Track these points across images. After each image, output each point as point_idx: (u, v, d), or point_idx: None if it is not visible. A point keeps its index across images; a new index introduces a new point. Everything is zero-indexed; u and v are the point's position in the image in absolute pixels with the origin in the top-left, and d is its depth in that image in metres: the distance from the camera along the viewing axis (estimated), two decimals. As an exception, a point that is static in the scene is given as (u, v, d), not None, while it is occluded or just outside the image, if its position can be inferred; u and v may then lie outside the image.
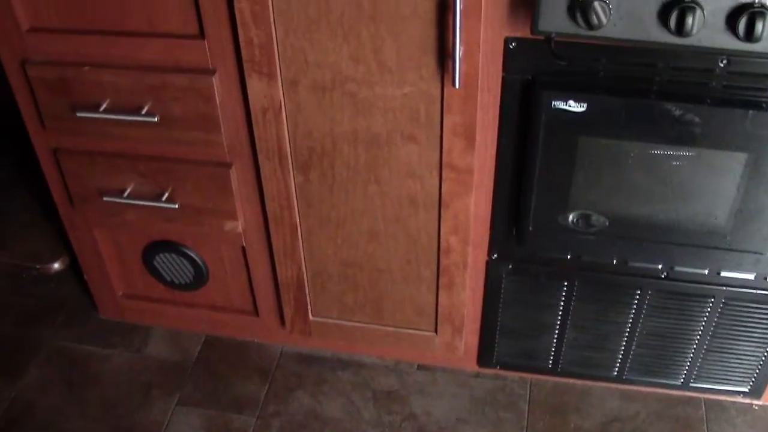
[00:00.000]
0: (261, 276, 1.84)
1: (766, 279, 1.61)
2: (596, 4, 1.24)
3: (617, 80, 1.40)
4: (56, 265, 2.18)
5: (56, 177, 1.77)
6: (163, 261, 1.88)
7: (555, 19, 1.28)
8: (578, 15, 1.26)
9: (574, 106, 1.40)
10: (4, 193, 2.33)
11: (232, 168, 1.64)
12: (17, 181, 2.36)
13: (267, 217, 1.69)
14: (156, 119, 1.57)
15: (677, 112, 1.39)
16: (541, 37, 1.32)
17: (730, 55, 1.33)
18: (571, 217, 1.55)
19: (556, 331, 1.79)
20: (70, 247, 1.97)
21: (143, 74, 1.53)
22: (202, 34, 1.47)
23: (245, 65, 1.47)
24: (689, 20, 1.23)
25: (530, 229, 1.58)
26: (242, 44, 1.44)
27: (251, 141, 1.58)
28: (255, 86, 1.49)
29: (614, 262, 1.64)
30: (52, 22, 1.53)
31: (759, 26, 1.21)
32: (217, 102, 1.53)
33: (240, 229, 1.74)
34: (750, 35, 1.23)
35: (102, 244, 1.90)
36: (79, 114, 1.58)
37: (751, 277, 1.62)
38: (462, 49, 1.36)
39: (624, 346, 1.79)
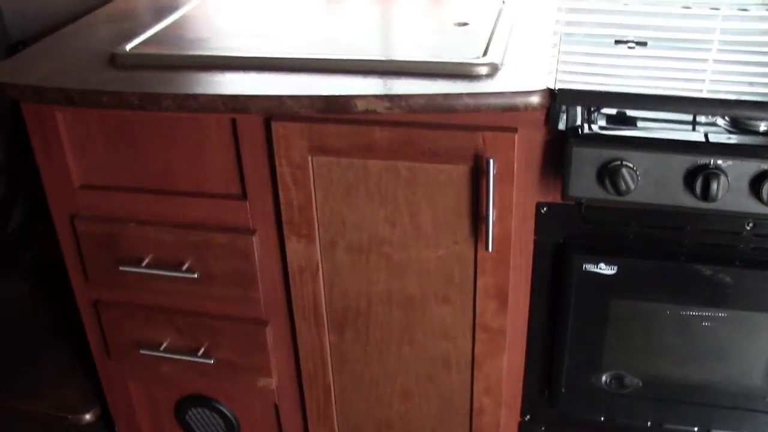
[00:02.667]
0: (293, 434, 1.84)
1: (806, 442, 1.58)
2: (624, 171, 1.30)
3: (647, 243, 1.43)
4: (88, 416, 2.17)
5: (95, 328, 1.80)
6: (195, 416, 1.88)
7: (585, 185, 1.34)
8: (607, 181, 1.32)
9: (605, 269, 1.43)
10: (42, 341, 2.36)
11: (268, 325, 1.66)
12: (55, 329, 2.39)
13: (301, 375, 1.70)
14: (196, 275, 1.61)
15: (707, 274, 1.41)
16: (572, 202, 1.37)
17: (755, 218, 1.37)
18: (604, 378, 1.55)
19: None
20: (103, 397, 1.98)
21: (186, 232, 1.59)
22: (244, 195, 1.53)
23: (285, 226, 1.52)
24: (714, 186, 1.28)
25: (563, 390, 1.57)
26: (283, 206, 1.50)
27: (288, 299, 1.62)
28: (293, 247, 1.54)
29: (648, 424, 1.62)
30: (103, 179, 1.60)
31: (782, 191, 1.26)
32: (256, 261, 1.58)
33: (273, 386, 1.74)
34: (774, 200, 1.28)
35: (135, 397, 1.91)
36: (122, 268, 1.63)
37: (790, 441, 1.60)
38: (495, 213, 1.40)
39: None
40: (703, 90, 1.40)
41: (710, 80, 1.45)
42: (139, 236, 1.62)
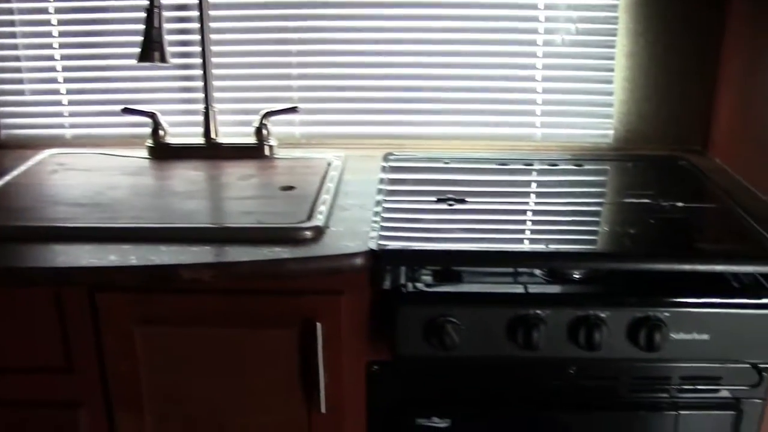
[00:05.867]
0: None
1: None
2: (449, 327, 1.34)
3: (478, 394, 1.46)
4: None
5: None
6: None
7: (412, 342, 1.37)
8: (433, 337, 1.35)
9: (438, 422, 1.45)
10: None
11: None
12: None
13: None
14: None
15: (537, 420, 1.46)
16: (401, 360, 1.39)
17: (578, 362, 1.43)
18: None
19: None
20: None
21: (9, 411, 1.50)
22: (70, 368, 1.47)
23: (113, 399, 1.47)
24: (535, 335, 1.34)
25: None
26: (110, 379, 1.46)
27: (121, 476, 1.55)
28: (123, 420, 1.49)
29: None
30: None
31: (596, 336, 1.34)
32: (84, 437, 1.52)
33: None
34: (590, 344, 1.34)
35: None
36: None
37: None
38: (326, 375, 1.41)
39: None
40: (524, 241, 1.48)
41: (530, 230, 1.53)
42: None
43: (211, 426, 1.49)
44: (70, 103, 2.02)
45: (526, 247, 1.46)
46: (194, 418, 1.49)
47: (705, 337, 1.37)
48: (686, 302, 1.37)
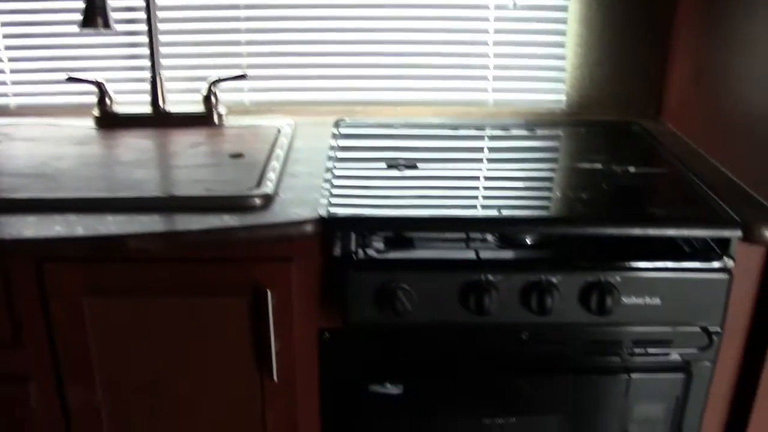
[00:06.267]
0: None
1: None
2: (399, 293, 1.34)
3: (430, 360, 1.46)
4: None
5: None
6: None
7: (364, 309, 1.36)
8: (384, 304, 1.34)
9: (391, 389, 1.45)
10: None
11: (52, 475, 1.57)
12: None
13: None
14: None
15: (490, 385, 1.47)
16: (353, 327, 1.39)
17: (529, 328, 1.43)
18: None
19: None
20: None
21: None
22: (17, 342, 1.44)
23: (63, 371, 1.45)
24: (486, 301, 1.34)
25: None
26: (60, 350, 1.43)
27: (72, 445, 1.54)
28: (73, 391, 1.46)
29: None
30: None
31: (548, 301, 1.34)
32: (33, 409, 1.49)
33: None
34: (542, 309, 1.35)
35: None
36: None
37: None
38: (278, 343, 1.40)
39: None
40: (477, 206, 1.48)
41: (482, 196, 1.53)
42: None
43: (163, 396, 1.47)
44: (13, 71, 1.96)
45: (478, 212, 1.45)
46: (145, 388, 1.47)
47: (656, 301, 1.38)
48: (637, 267, 1.38)
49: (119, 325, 1.42)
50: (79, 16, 1.71)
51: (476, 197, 1.54)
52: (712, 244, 1.42)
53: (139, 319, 1.42)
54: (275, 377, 1.41)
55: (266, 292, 1.35)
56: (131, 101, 1.93)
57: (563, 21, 1.92)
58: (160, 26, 1.87)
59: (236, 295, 1.39)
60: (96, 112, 1.87)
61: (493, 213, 1.42)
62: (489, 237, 1.46)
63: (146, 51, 1.86)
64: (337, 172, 1.56)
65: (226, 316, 1.41)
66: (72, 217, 1.38)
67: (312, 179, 1.53)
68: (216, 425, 1.50)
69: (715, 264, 1.39)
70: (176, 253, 1.37)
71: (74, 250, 1.35)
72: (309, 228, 1.34)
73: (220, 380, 1.46)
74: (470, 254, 1.41)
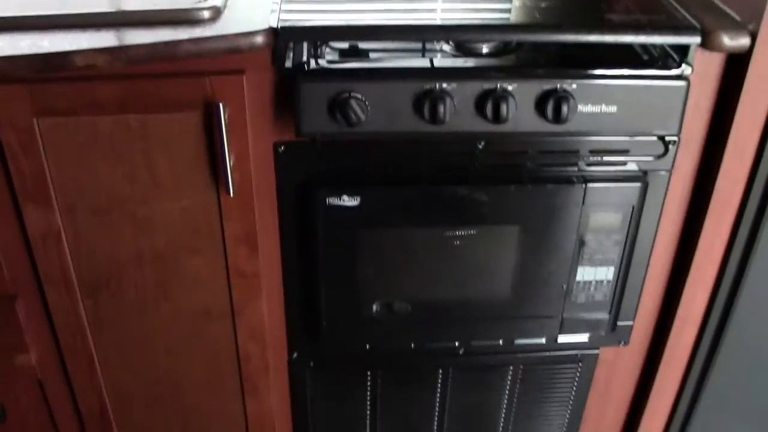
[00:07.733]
0: (62, 409, 1.77)
1: (556, 341, 1.68)
2: (353, 102, 1.31)
3: (386, 171, 1.46)
4: None
5: None
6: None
7: (317, 120, 1.34)
8: (338, 114, 1.33)
9: (348, 201, 1.46)
10: None
11: (18, 299, 1.57)
12: None
13: (60, 347, 1.64)
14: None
15: (447, 195, 1.47)
16: (307, 139, 1.38)
17: (485, 137, 1.43)
18: (366, 307, 1.59)
19: (368, 423, 1.81)
20: None
21: None
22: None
23: (18, 195, 1.44)
24: (441, 109, 1.32)
25: (324, 324, 1.60)
26: (13, 175, 1.42)
27: (34, 270, 1.54)
28: (31, 215, 1.46)
29: (412, 346, 1.68)
30: None
31: (504, 109, 1.33)
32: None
33: (33, 361, 1.66)
34: (497, 117, 1.33)
35: None
36: None
37: (542, 341, 1.69)
38: (232, 158, 1.39)
39: (436, 426, 1.83)
40: (437, 19, 1.44)
41: (442, 9, 1.49)
42: None
43: (120, 214, 1.47)
44: None
45: (433, 19, 1.42)
46: (102, 209, 1.46)
47: (613, 109, 1.37)
48: (594, 74, 1.37)
49: (72, 145, 1.40)
50: None
51: (434, 9, 1.50)
52: (670, 51, 1.41)
53: (91, 138, 1.39)
54: (231, 192, 1.41)
55: (218, 105, 1.34)
56: None
57: None
58: None
59: (189, 110, 1.36)
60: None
61: (449, 21, 1.39)
62: (446, 47, 1.43)
63: None
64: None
65: (179, 131, 1.39)
66: (14, 35, 1.34)
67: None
68: (174, 241, 1.51)
69: (673, 71, 1.38)
70: (124, 69, 1.33)
71: (17, 68, 1.30)
72: (259, 39, 1.31)
73: (175, 196, 1.46)
74: (425, 63, 1.39)
